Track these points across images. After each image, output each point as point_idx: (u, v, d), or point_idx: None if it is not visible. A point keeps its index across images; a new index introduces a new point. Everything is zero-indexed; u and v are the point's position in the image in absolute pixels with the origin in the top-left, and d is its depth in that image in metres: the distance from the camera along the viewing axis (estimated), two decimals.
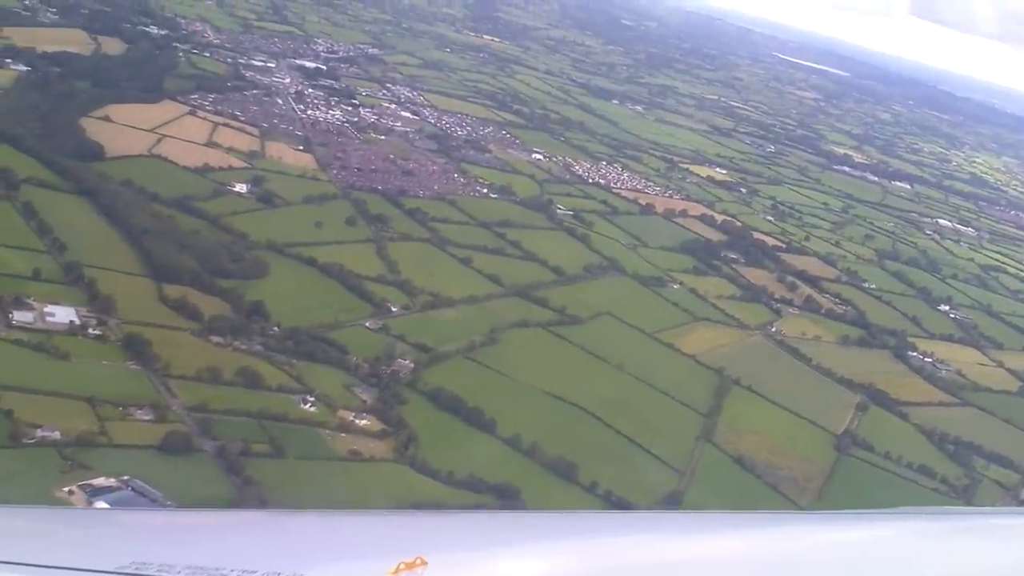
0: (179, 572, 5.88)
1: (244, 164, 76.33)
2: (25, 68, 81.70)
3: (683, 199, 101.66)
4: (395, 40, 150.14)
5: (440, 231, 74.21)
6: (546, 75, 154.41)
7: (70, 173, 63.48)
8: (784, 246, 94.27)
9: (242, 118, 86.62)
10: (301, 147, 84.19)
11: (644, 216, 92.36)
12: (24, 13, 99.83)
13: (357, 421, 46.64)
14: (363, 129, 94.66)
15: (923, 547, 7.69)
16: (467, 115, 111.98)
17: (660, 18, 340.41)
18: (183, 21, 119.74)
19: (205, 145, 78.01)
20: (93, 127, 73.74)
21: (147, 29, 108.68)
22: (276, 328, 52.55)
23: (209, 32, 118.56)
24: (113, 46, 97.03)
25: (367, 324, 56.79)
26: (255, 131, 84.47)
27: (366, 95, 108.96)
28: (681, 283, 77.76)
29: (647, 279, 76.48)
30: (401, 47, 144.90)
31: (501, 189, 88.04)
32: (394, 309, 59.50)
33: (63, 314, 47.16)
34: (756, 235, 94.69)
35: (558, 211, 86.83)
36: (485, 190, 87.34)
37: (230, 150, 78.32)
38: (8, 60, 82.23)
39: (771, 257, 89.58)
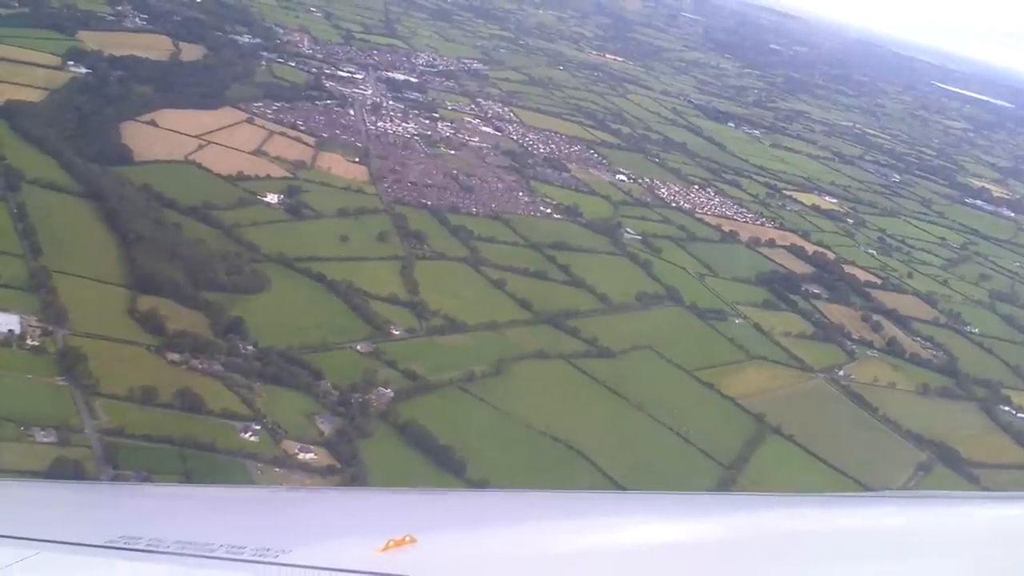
0: (168, 547, 5.90)
1: (286, 174, 73.22)
2: (85, 71, 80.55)
3: (776, 227, 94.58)
4: (506, 56, 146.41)
5: (480, 251, 69.54)
6: (661, 96, 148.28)
7: (85, 175, 61.24)
8: (879, 282, 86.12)
9: (302, 127, 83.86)
10: (357, 159, 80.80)
11: (723, 244, 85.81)
12: (109, 18, 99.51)
13: (301, 455, 42.11)
14: (434, 143, 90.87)
15: (917, 528, 7.54)
16: (557, 132, 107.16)
17: (816, 44, 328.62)
18: (281, 31, 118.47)
19: (251, 153, 75.29)
20: (133, 131, 71.79)
21: (237, 37, 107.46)
22: (251, 347, 48.75)
23: (305, 42, 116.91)
24: (193, 53, 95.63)
25: (358, 347, 52.29)
26: (311, 141, 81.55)
27: (451, 109, 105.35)
28: (745, 317, 71.09)
29: (706, 312, 70.05)
30: (510, 63, 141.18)
31: (567, 210, 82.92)
32: (396, 332, 54.96)
33: (4, 322, 44.12)
34: (849, 269, 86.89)
35: (626, 235, 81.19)
36: (549, 210, 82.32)
37: (276, 159, 75.40)
38: (71, 63, 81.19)
39: (860, 293, 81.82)
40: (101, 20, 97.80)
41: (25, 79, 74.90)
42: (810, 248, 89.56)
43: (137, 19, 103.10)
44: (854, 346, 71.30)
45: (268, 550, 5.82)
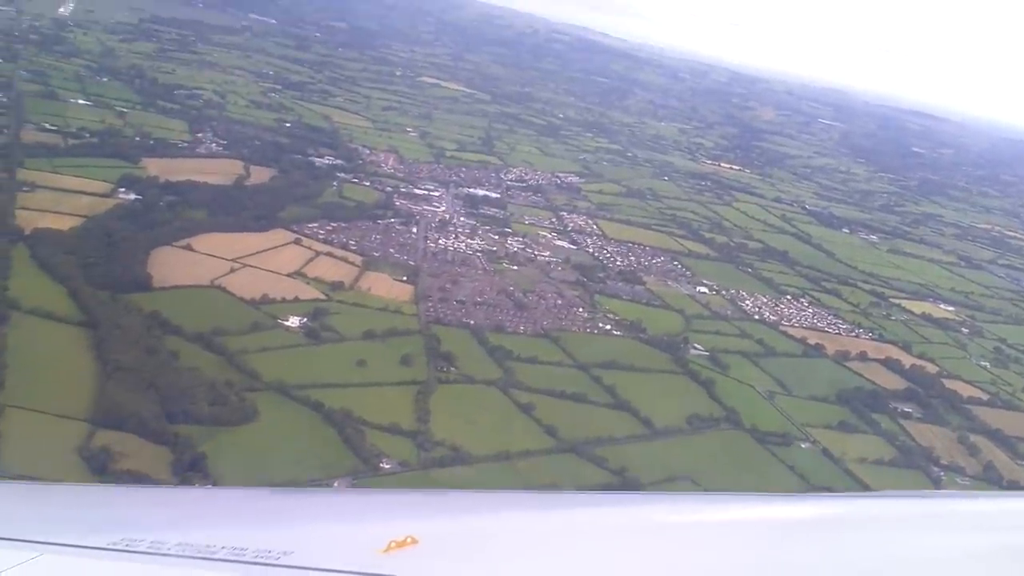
0: (170, 549, 6.01)
1: (319, 295, 69.93)
2: (135, 197, 79.81)
3: (872, 339, 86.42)
4: (607, 169, 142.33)
5: (516, 372, 64.28)
6: (772, 203, 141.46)
7: (89, 304, 59.08)
8: (986, 398, 76.96)
9: (353, 247, 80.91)
10: (405, 278, 77.08)
11: (805, 359, 78.35)
12: (181, 144, 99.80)
13: None
14: (497, 259, 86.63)
15: (907, 529, 7.46)
16: (641, 244, 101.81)
17: (963, 145, 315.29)
18: (367, 151, 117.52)
19: (288, 275, 72.38)
20: (163, 257, 69.86)
21: (317, 159, 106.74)
22: (208, 487, 44.54)
23: (390, 162, 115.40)
24: (261, 176, 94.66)
25: (335, 484, 47.56)
26: (358, 260, 78.36)
27: (527, 223, 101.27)
28: (815, 441, 63.58)
29: (767, 435, 62.86)
30: (610, 175, 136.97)
31: (630, 325, 77.18)
32: (385, 465, 49.96)
33: None
34: (952, 383, 78.11)
35: (692, 351, 74.79)
36: (608, 326, 76.69)
37: (314, 280, 72.34)
38: (121, 190, 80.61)
39: (961, 412, 73.08)
40: (172, 147, 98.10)
41: (66, 207, 74.32)
42: (909, 361, 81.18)
43: (213, 145, 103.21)
44: (941, 472, 62.88)
45: (270, 552, 5.85)
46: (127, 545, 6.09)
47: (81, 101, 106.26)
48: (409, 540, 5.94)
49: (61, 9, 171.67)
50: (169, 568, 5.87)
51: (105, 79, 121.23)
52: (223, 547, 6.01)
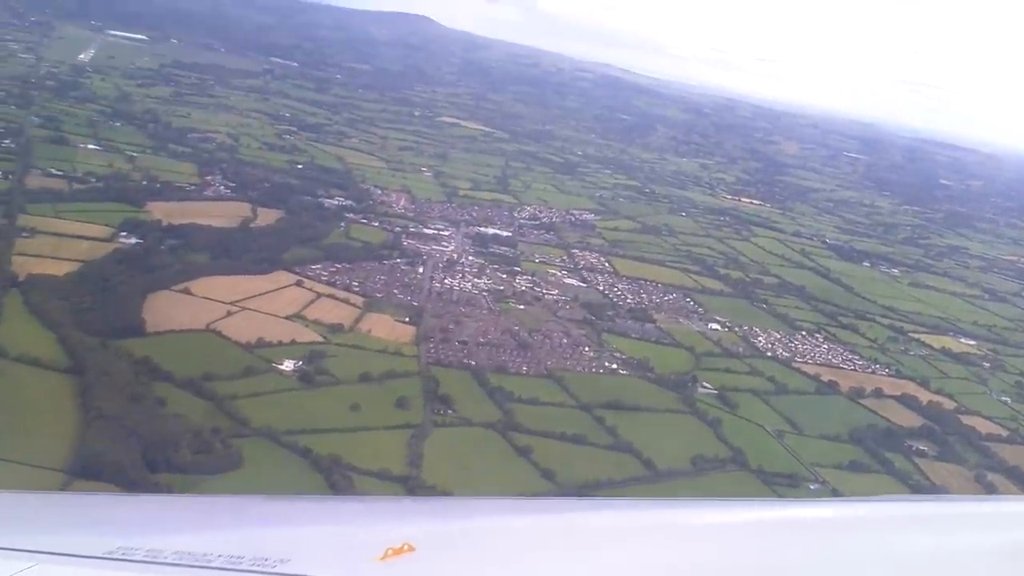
0: (166, 557, 5.97)
1: (317, 338, 68.86)
2: (136, 241, 79.31)
3: (889, 375, 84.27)
4: (623, 205, 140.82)
5: (516, 414, 62.84)
6: (791, 237, 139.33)
7: (78, 350, 58.27)
8: (1005, 435, 74.64)
9: (356, 288, 79.95)
10: (407, 319, 75.91)
11: (818, 396, 76.39)
12: (188, 188, 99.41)
13: None
14: (503, 298, 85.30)
15: (902, 533, 7.49)
16: (653, 281, 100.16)
17: (993, 177, 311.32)
18: (379, 192, 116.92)
19: (286, 318, 71.41)
20: (159, 301, 69.09)
21: (327, 200, 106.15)
22: None
23: (402, 202, 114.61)
24: (269, 217, 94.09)
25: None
26: (359, 302, 77.32)
27: (537, 261, 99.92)
28: (824, 482, 61.60)
29: (774, 476, 61.01)
30: (626, 212, 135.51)
31: (637, 364, 75.59)
32: None
33: None
34: (970, 420, 75.89)
35: (700, 389, 73.09)
36: (615, 365, 75.08)
37: (313, 322, 71.31)
38: (123, 234, 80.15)
39: (979, 449, 70.80)
40: (179, 190, 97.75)
41: (65, 252, 73.82)
42: (926, 397, 78.99)
43: (222, 187, 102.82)
44: None
45: (266, 559, 5.86)
46: (123, 554, 6.07)
47: (91, 146, 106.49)
48: (406, 547, 5.95)
49: (81, 56, 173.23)
50: None
51: (118, 124, 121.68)
52: (219, 555, 5.97)
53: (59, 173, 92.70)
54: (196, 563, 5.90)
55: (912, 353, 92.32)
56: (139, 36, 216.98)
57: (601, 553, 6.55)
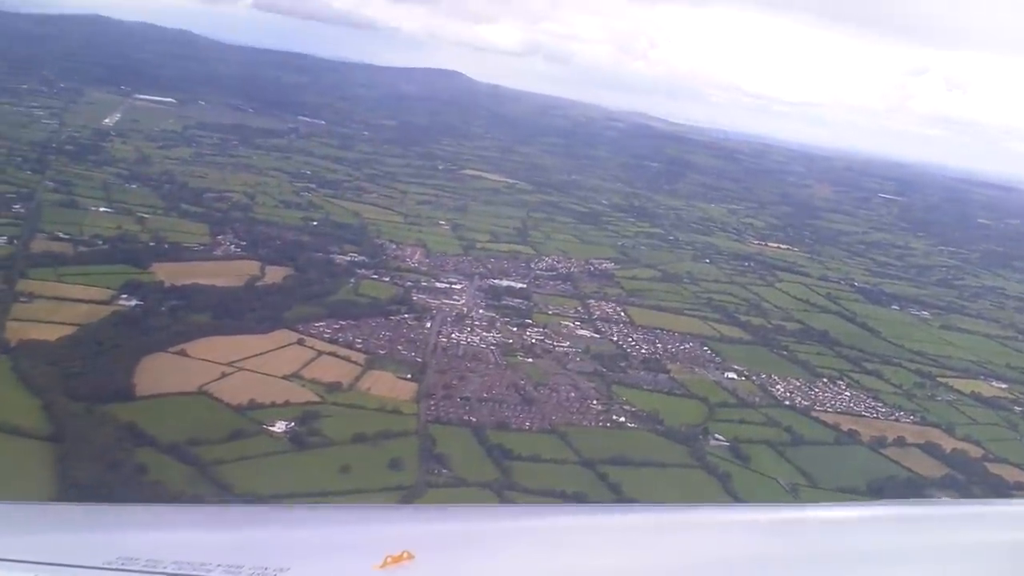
0: (166, 567, 5.97)
1: (313, 398, 67.23)
2: (136, 303, 78.34)
3: (913, 422, 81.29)
4: (644, 254, 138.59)
5: (514, 472, 60.85)
6: (819, 282, 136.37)
7: (61, 416, 56.97)
8: None
9: (359, 345, 78.34)
10: (409, 376, 74.14)
11: (836, 446, 73.66)
12: (197, 248, 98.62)
13: None
14: (511, 352, 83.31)
15: (906, 536, 7.46)
16: (670, 330, 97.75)
17: None
18: (394, 246, 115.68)
19: (283, 378, 69.87)
20: (153, 364, 67.82)
21: (339, 256, 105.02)
22: None
23: (416, 256, 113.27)
24: (276, 275, 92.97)
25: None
26: (361, 359, 75.65)
27: (551, 313, 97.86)
28: None
29: None
30: (646, 260, 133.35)
31: (648, 417, 73.32)
32: None
33: None
34: (996, 468, 72.72)
35: (712, 442, 70.62)
36: (624, 418, 72.84)
37: (310, 382, 69.72)
38: (123, 296, 79.27)
39: (1004, 498, 67.38)
40: (186, 250, 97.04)
41: (61, 316, 73.04)
42: (950, 445, 76.07)
43: (232, 246, 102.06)
44: None
45: (266, 569, 5.86)
46: (123, 564, 6.03)
47: (102, 208, 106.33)
48: (405, 555, 5.89)
49: (106, 120, 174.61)
50: None
51: (133, 186, 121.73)
52: (219, 564, 5.92)
53: (65, 236, 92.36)
54: (196, 572, 5.90)
55: (939, 399, 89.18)
56: (167, 99, 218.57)
57: (600, 559, 6.54)
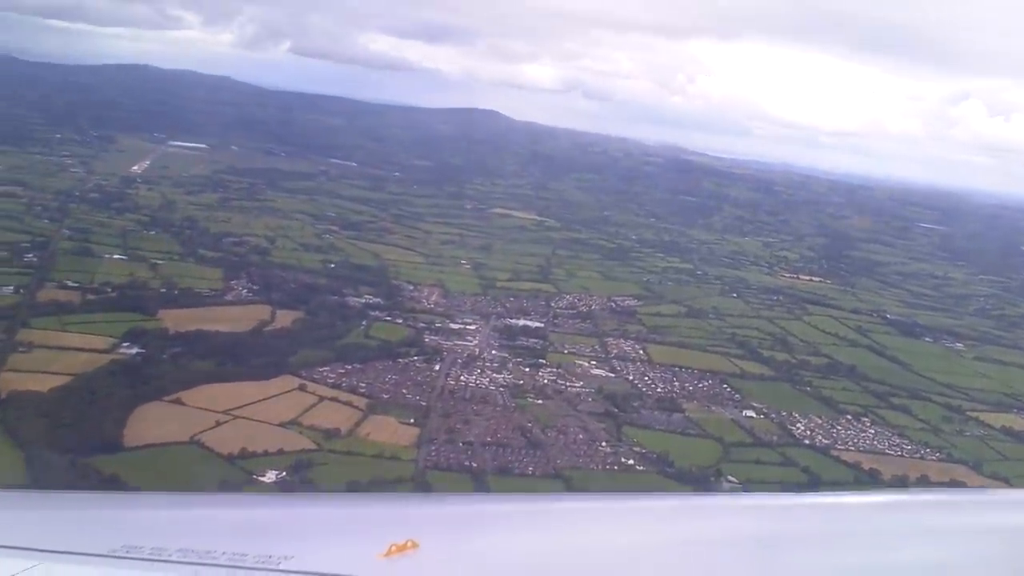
0: (171, 555, 5.98)
1: (309, 445, 65.87)
2: (137, 351, 77.43)
3: (937, 460, 78.22)
4: (670, 289, 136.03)
5: None
6: (850, 314, 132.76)
7: (42, 470, 55.85)
8: None
9: (362, 390, 76.84)
10: (411, 420, 72.49)
11: (854, 486, 70.53)
12: (207, 293, 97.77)
13: None
14: (521, 393, 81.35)
15: (904, 524, 7.44)
16: (690, 368, 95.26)
17: None
18: (411, 287, 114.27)
19: (280, 425, 68.52)
20: (147, 413, 66.78)
21: (354, 298, 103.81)
22: None
23: (433, 297, 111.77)
24: (286, 319, 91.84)
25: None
26: (363, 404, 74.11)
27: (566, 352, 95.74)
28: None
29: None
30: (671, 296, 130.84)
31: (658, 459, 71.03)
32: None
33: None
34: None
35: (724, 484, 68.14)
36: (632, 460, 70.63)
37: (308, 428, 68.36)
38: (125, 344, 78.39)
39: None
40: (197, 296, 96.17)
41: (58, 366, 72.04)
42: (976, 483, 72.76)
43: (244, 291, 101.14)
44: None
45: (270, 557, 5.86)
46: (127, 552, 6.01)
47: (116, 256, 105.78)
48: (410, 544, 5.87)
49: (135, 167, 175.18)
50: (170, 574, 5.82)
51: (152, 232, 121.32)
52: (224, 552, 5.88)
53: (74, 285, 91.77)
54: (200, 560, 5.85)
55: (967, 434, 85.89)
56: (200, 145, 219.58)
57: (606, 545, 6.47)
